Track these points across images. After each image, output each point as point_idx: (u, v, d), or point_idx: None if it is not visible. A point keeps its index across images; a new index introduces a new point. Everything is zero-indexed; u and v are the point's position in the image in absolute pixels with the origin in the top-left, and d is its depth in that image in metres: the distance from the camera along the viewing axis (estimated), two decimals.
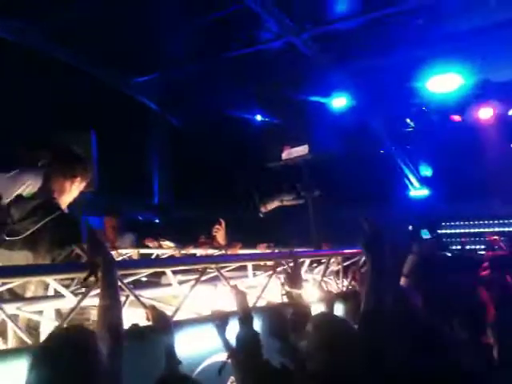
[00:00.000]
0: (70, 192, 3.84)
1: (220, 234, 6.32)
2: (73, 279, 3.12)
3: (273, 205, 6.85)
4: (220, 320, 3.08)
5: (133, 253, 6.66)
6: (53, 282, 2.95)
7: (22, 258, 3.42)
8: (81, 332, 2.29)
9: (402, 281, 4.83)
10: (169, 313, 3.14)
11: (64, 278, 3.05)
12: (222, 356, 3.06)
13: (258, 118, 10.62)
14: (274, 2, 8.08)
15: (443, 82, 9.38)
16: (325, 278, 4.60)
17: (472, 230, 12.14)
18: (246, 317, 3.09)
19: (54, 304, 3.15)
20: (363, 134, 10.79)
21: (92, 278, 2.86)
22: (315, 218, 6.34)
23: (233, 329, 3.08)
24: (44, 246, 3.44)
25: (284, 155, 6.37)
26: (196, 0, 8.01)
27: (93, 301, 2.93)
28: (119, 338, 2.54)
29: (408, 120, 10.56)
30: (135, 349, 2.75)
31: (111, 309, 2.67)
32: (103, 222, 7.19)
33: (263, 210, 6.89)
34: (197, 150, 11.48)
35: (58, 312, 3.20)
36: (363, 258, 5.00)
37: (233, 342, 3.02)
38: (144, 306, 3.06)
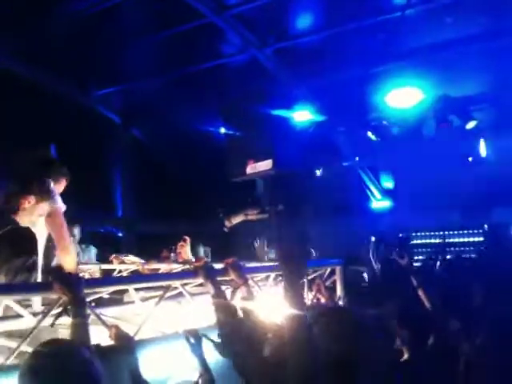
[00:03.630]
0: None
1: (184, 249, 6.28)
2: None
3: (237, 219, 6.84)
4: (194, 338, 3.01)
5: (94, 268, 6.55)
6: (11, 302, 2.88)
7: None
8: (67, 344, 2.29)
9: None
10: (132, 331, 3.09)
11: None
12: (187, 375, 3.01)
13: (222, 130, 10.61)
14: (236, 17, 8.13)
15: (403, 97, 9.56)
16: None
17: (433, 241, 12.35)
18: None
19: (10, 324, 3.06)
20: (326, 147, 10.90)
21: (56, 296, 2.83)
22: (279, 232, 6.36)
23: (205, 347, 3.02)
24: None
25: (248, 170, 6.37)
26: (159, 14, 7.99)
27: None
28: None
29: (369, 133, 10.71)
30: None
31: (84, 326, 2.64)
32: None
33: (228, 224, 6.87)
34: (161, 163, 11.39)
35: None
36: (328, 271, 5.03)
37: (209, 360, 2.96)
38: (106, 325, 3.00)
